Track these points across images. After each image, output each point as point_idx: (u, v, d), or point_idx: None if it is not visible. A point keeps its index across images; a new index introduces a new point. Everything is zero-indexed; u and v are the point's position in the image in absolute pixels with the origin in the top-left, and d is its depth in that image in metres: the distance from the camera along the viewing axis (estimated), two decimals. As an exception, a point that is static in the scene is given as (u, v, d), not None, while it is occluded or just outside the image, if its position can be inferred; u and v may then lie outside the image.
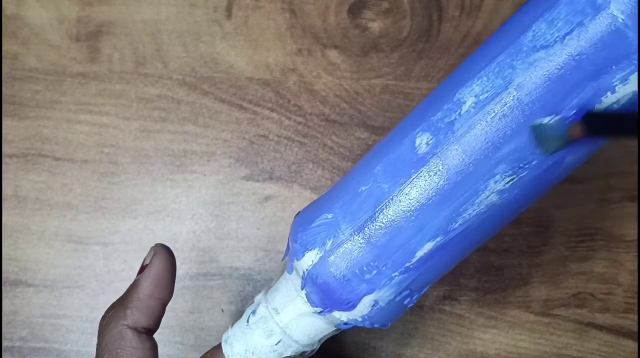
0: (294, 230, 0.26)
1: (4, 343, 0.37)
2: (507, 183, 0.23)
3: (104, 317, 0.28)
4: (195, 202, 0.37)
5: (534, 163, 0.23)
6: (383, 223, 0.24)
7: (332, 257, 0.25)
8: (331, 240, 0.25)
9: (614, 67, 0.21)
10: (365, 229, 0.24)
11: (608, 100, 0.22)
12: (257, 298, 0.28)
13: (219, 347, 0.28)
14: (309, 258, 0.25)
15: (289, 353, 0.27)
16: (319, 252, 0.25)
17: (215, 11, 0.37)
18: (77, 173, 0.37)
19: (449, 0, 0.37)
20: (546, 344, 0.36)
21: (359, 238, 0.25)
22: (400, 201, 0.24)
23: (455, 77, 0.24)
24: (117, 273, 0.37)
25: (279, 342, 0.27)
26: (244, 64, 0.37)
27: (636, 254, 0.36)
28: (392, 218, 0.24)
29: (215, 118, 0.37)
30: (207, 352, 0.28)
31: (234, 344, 0.27)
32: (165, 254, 0.28)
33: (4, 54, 0.38)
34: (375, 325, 0.26)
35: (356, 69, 0.37)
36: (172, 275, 0.28)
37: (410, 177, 0.24)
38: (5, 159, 0.37)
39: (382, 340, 0.36)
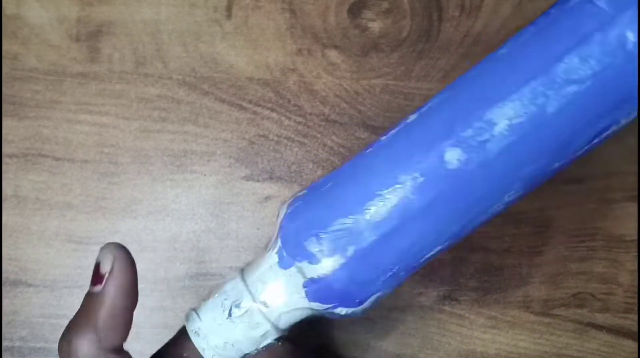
0: (306, 231, 0.26)
1: (4, 343, 0.37)
2: (516, 197, 0.25)
3: (61, 347, 0.23)
4: (195, 202, 0.37)
5: (545, 178, 0.25)
6: (409, 233, 0.25)
7: (354, 264, 0.25)
8: (353, 247, 0.25)
9: (626, 105, 0.24)
10: (391, 237, 0.25)
11: (610, 131, 0.24)
12: (233, 288, 0.27)
13: (184, 338, 0.26)
14: (328, 265, 0.25)
15: (268, 341, 0.27)
16: (340, 258, 0.25)
17: (215, 11, 0.37)
18: (77, 173, 0.37)
19: (449, 0, 0.37)
20: (546, 344, 0.36)
21: (383, 245, 0.25)
22: (427, 214, 0.25)
23: (481, 92, 0.25)
24: (117, 273, 0.37)
25: (265, 333, 0.26)
26: (244, 64, 0.37)
27: (636, 254, 0.36)
28: (419, 228, 0.25)
29: (215, 118, 0.37)
30: (170, 344, 0.26)
31: (209, 337, 0.26)
32: (126, 257, 0.25)
33: (4, 54, 0.38)
34: (363, 315, 0.27)
35: (356, 69, 0.37)
36: (136, 278, 0.25)
37: (440, 191, 0.24)
38: (5, 159, 0.37)
39: (382, 340, 0.36)
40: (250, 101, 0.37)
